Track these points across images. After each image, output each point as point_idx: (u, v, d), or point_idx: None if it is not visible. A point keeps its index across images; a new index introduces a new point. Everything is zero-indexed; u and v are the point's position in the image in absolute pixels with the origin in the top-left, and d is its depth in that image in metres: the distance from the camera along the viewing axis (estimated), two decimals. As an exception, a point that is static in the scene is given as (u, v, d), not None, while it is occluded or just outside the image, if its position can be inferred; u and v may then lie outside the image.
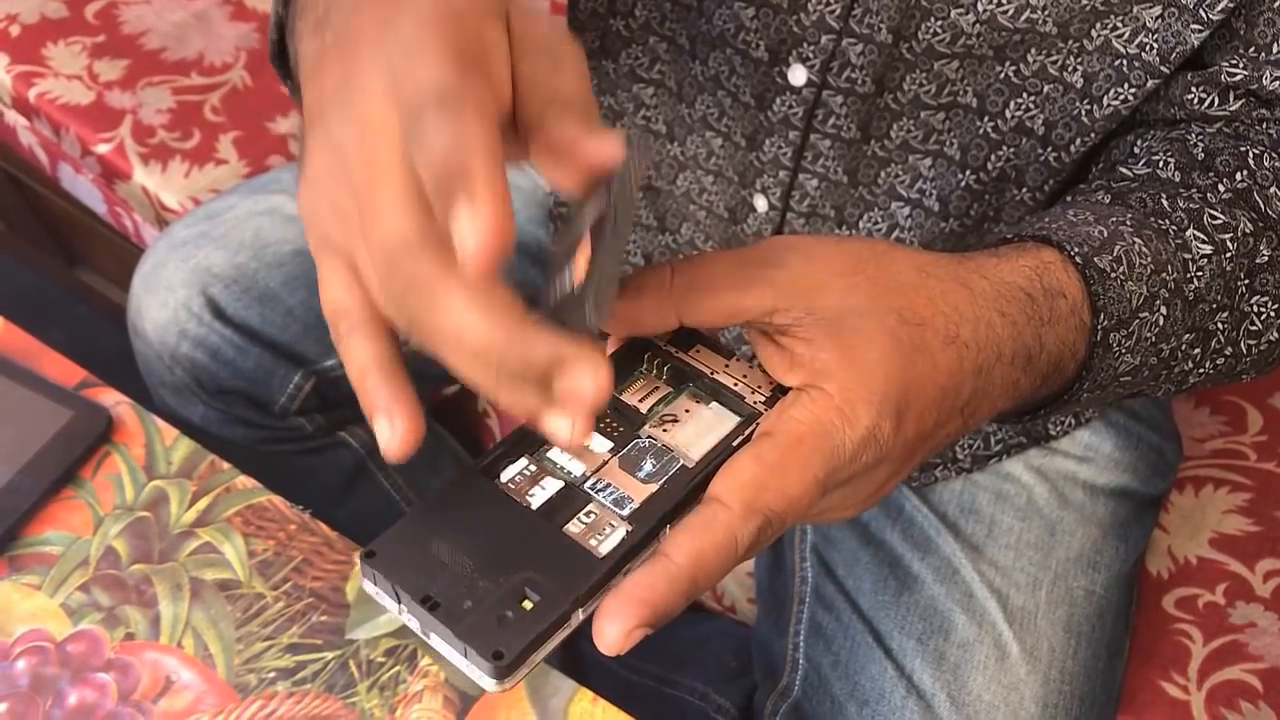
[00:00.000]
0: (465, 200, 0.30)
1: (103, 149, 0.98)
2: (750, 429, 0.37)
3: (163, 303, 0.76)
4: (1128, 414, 0.72)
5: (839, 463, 0.35)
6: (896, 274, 0.38)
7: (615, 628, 0.33)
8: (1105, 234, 0.46)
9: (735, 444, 0.37)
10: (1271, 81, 0.53)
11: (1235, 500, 0.81)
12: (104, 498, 0.63)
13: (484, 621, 0.33)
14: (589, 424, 0.33)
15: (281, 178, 0.80)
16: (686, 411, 0.38)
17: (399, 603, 0.34)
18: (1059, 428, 0.70)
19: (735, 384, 0.38)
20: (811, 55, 0.59)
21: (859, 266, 0.38)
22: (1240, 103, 0.55)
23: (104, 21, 1.07)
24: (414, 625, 0.34)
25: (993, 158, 0.60)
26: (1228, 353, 0.52)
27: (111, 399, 0.66)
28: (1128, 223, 0.48)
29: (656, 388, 0.39)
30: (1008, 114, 0.58)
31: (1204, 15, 0.52)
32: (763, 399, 0.38)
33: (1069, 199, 0.54)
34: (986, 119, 0.59)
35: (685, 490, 0.36)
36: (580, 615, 0.34)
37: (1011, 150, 0.59)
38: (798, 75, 0.60)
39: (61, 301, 1.07)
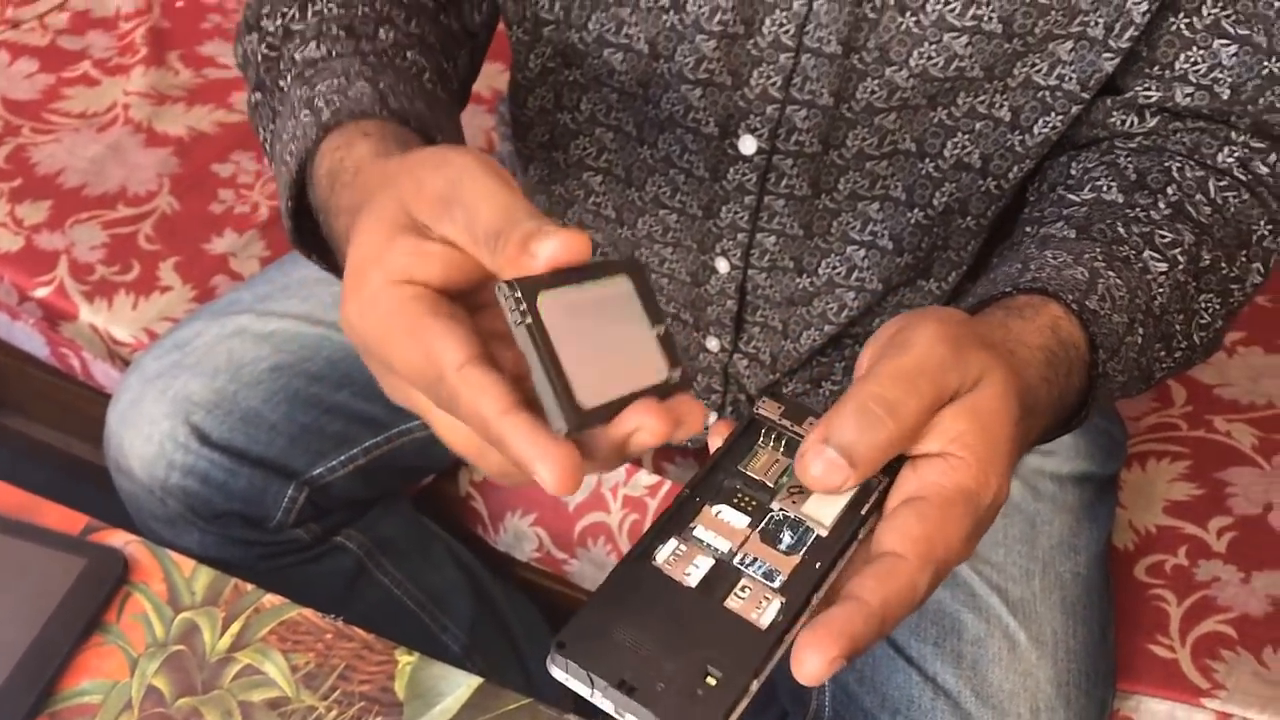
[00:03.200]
0: (538, 460, 0.37)
1: (42, 293, 0.98)
2: (874, 494, 0.41)
3: (146, 437, 0.77)
4: (1077, 405, 0.78)
5: (980, 518, 0.41)
6: (1004, 353, 0.44)
7: (817, 658, 0.36)
8: (1087, 275, 0.53)
9: (864, 511, 0.41)
10: (1183, 98, 0.60)
11: (1178, 469, 0.88)
12: (134, 638, 0.63)
13: (679, 702, 0.36)
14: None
15: (241, 298, 0.82)
16: None
17: (592, 687, 0.37)
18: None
19: None
20: (759, 125, 0.63)
21: (987, 345, 0.43)
22: (1156, 120, 0.61)
23: (16, 165, 1.06)
24: (608, 707, 0.37)
25: (937, 194, 0.65)
26: (1184, 347, 0.59)
27: (121, 539, 0.67)
28: (1099, 258, 0.54)
29: (778, 460, 0.42)
30: (946, 153, 0.64)
31: (1113, 45, 0.58)
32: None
33: (1033, 231, 0.59)
34: (927, 160, 0.64)
35: (829, 561, 0.40)
36: (755, 685, 0.37)
37: (954, 185, 0.65)
38: (748, 145, 0.64)
39: None
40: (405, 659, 0.63)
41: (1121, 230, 0.56)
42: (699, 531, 0.41)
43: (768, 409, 0.44)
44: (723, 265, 0.70)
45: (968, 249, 0.69)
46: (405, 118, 0.53)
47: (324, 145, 0.52)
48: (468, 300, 0.42)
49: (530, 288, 0.38)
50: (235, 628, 0.64)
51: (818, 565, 0.40)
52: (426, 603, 0.88)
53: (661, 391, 0.40)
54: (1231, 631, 0.78)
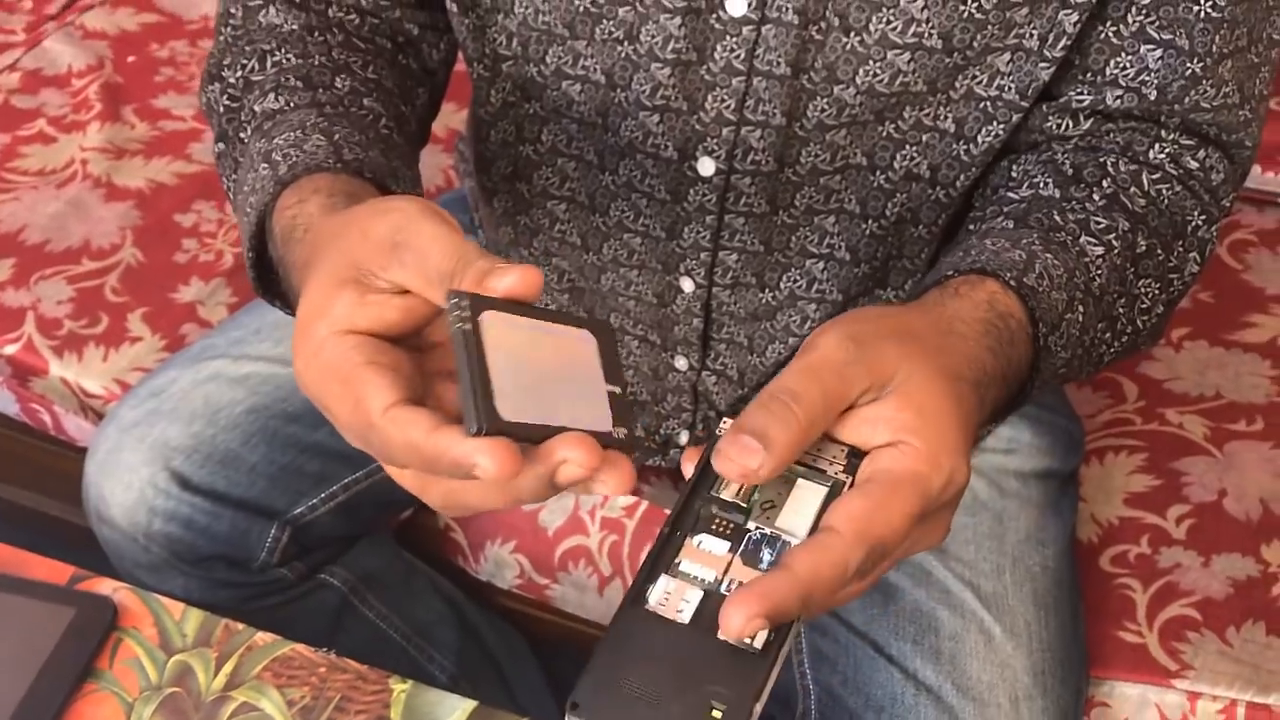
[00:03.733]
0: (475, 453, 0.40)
1: (11, 350, 0.98)
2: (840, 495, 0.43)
3: (126, 485, 0.77)
4: (1035, 405, 0.81)
5: (929, 500, 0.43)
6: (927, 338, 0.47)
7: (739, 616, 0.39)
8: (1024, 256, 0.56)
9: None
10: (1113, 100, 0.63)
11: (1135, 461, 0.91)
12: (127, 683, 0.64)
13: None
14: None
15: (214, 344, 0.83)
16: (779, 494, 0.44)
17: None
18: (984, 429, 0.78)
19: (814, 460, 0.44)
20: (716, 147, 0.66)
21: (902, 337, 0.46)
22: (1090, 122, 0.64)
23: (-24, 225, 1.07)
24: None
25: (889, 205, 0.68)
26: (1129, 331, 0.62)
27: (109, 587, 0.68)
28: (1036, 242, 0.57)
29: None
30: (896, 165, 0.66)
31: (1048, 55, 0.61)
32: (840, 467, 0.44)
33: (975, 227, 0.63)
34: (878, 172, 0.67)
35: None
36: (759, 708, 0.40)
37: (904, 195, 0.68)
38: (706, 166, 0.67)
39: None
40: (400, 687, 0.64)
41: (1058, 218, 0.60)
42: (685, 566, 0.42)
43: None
44: (688, 284, 0.72)
45: (921, 256, 0.71)
46: (360, 168, 0.56)
47: (280, 201, 0.55)
48: (417, 341, 0.45)
49: (479, 302, 0.41)
50: (229, 667, 0.64)
51: None
52: (412, 635, 0.89)
53: (602, 441, 0.41)
54: (1196, 614, 0.81)
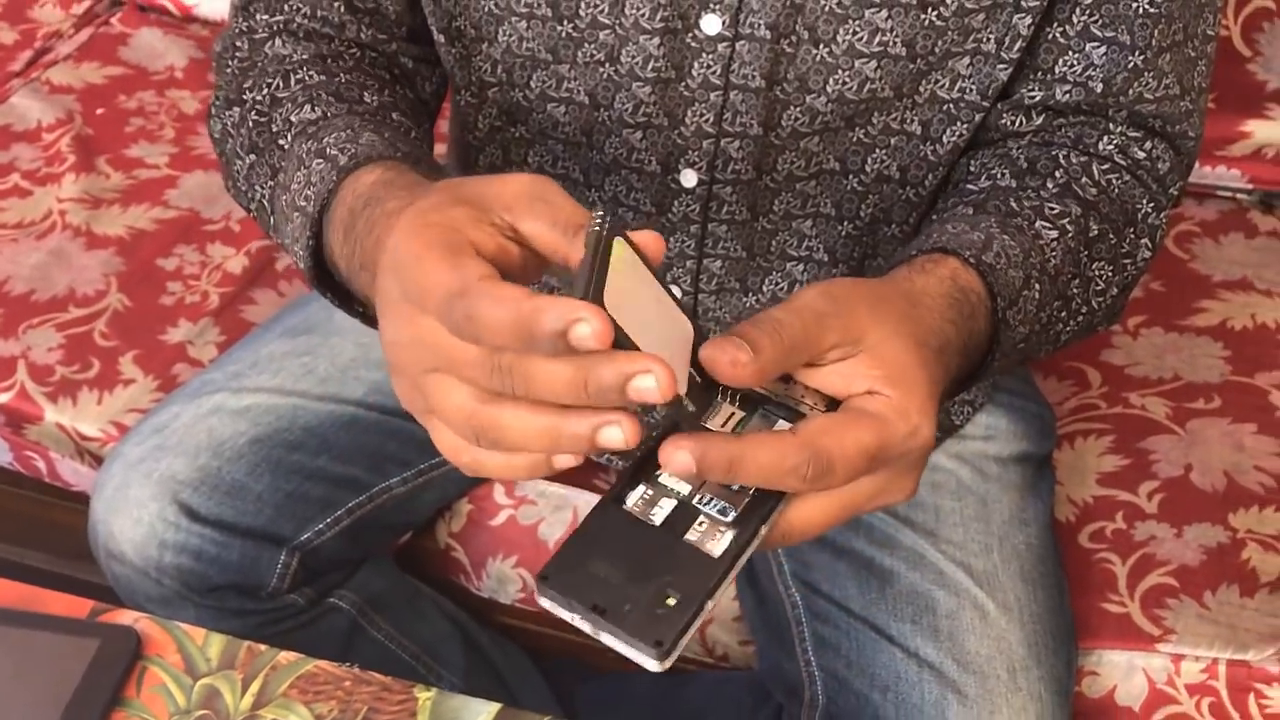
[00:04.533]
0: (565, 324, 0.40)
1: (4, 398, 0.99)
2: None
3: (136, 520, 0.79)
4: (1009, 393, 0.85)
5: (889, 444, 0.46)
6: (897, 306, 0.50)
7: (671, 449, 0.43)
8: (983, 237, 0.59)
9: None
10: (1062, 95, 0.67)
11: (1103, 444, 0.95)
12: (156, 710, 0.65)
13: (643, 620, 0.42)
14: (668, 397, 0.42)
15: (213, 379, 0.85)
16: (759, 430, 0.47)
17: (573, 613, 0.43)
18: (962, 417, 0.82)
19: (796, 403, 0.48)
20: (698, 159, 0.69)
21: (874, 302, 0.49)
22: (1042, 118, 0.69)
23: (-41, 279, 1.08)
24: (586, 628, 0.43)
25: (863, 206, 0.72)
26: (1084, 311, 0.66)
27: (130, 617, 0.69)
28: (994, 225, 0.61)
29: (734, 413, 0.47)
30: (867, 168, 0.70)
31: (1005, 56, 0.65)
32: (821, 410, 0.48)
33: (938, 216, 0.66)
34: (851, 176, 0.71)
35: (776, 496, 0.46)
36: (710, 605, 0.43)
37: (877, 197, 0.71)
38: (689, 178, 0.70)
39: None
40: (424, 695, 0.66)
41: (1014, 204, 0.64)
42: (664, 478, 0.46)
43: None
44: (675, 292, 0.75)
45: (896, 255, 0.75)
46: (416, 161, 0.58)
47: (344, 187, 0.56)
48: None
49: (618, 229, 0.42)
50: (255, 686, 0.66)
51: (765, 501, 0.46)
52: (421, 654, 0.91)
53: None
54: (1174, 581, 0.85)
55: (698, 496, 0.46)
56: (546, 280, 0.75)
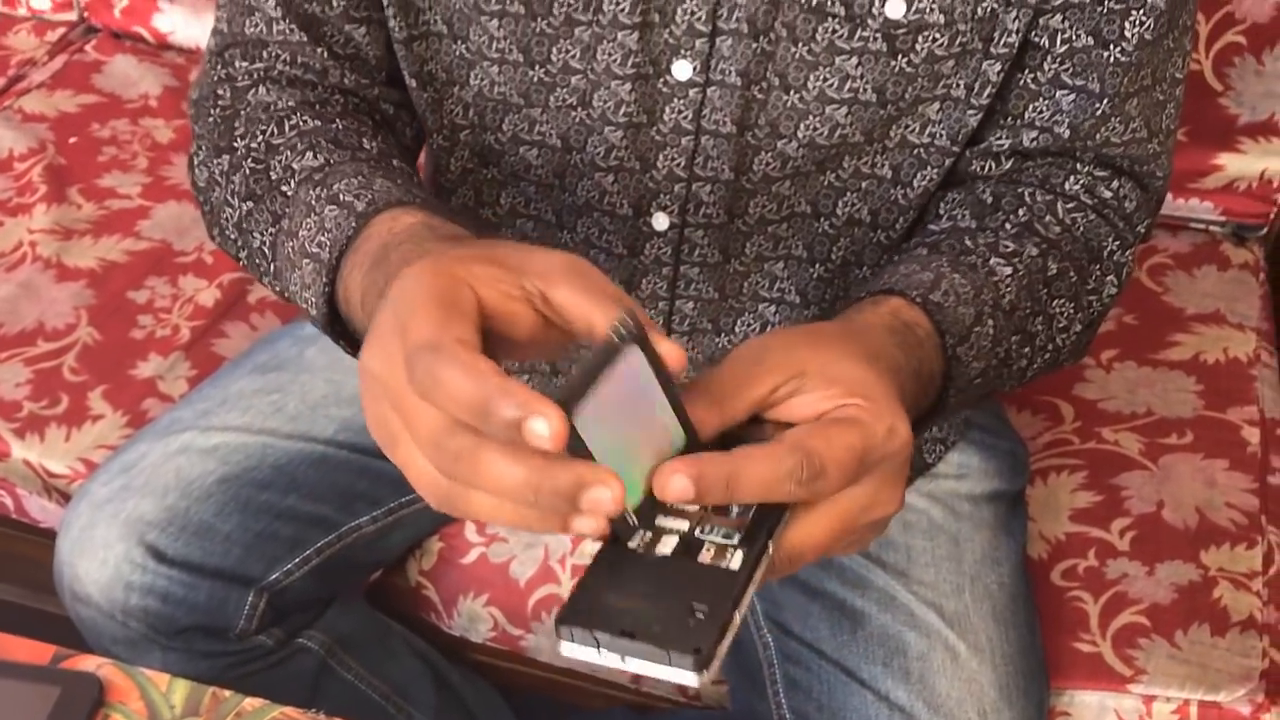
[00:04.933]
0: (523, 416, 0.39)
1: (-30, 435, 0.98)
2: None
3: (102, 561, 0.78)
4: (981, 430, 0.85)
5: (871, 444, 0.46)
6: (833, 335, 0.52)
7: (668, 473, 0.43)
8: (932, 277, 0.60)
9: None
10: (1029, 141, 0.68)
11: (1076, 480, 0.95)
12: (119, 758, 0.64)
13: (675, 632, 0.41)
14: (608, 521, 0.42)
15: (181, 417, 0.84)
16: None
17: (598, 647, 0.42)
18: (934, 455, 0.82)
19: (774, 427, 0.48)
20: (669, 203, 0.69)
21: (809, 337, 0.50)
22: (1010, 162, 0.69)
23: (-74, 313, 1.07)
24: (613, 661, 0.42)
25: (834, 249, 0.72)
26: (1049, 348, 0.66)
27: (93, 663, 0.68)
28: (945, 264, 0.62)
29: None
30: (839, 211, 0.70)
31: (974, 102, 0.66)
32: None
33: (896, 259, 0.67)
34: (822, 219, 0.71)
35: (775, 515, 0.46)
36: (738, 617, 0.43)
37: (848, 240, 0.71)
38: (661, 221, 0.70)
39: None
40: (390, 740, 0.65)
41: (969, 243, 0.64)
42: (660, 520, 0.46)
43: None
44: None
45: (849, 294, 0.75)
46: (433, 209, 0.56)
47: (376, 225, 0.55)
48: None
49: (638, 336, 0.43)
50: (220, 734, 0.65)
51: (765, 522, 0.45)
52: (390, 694, 0.90)
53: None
54: (1145, 620, 0.85)
55: (698, 529, 0.45)
56: (535, 365, 0.75)
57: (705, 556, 0.44)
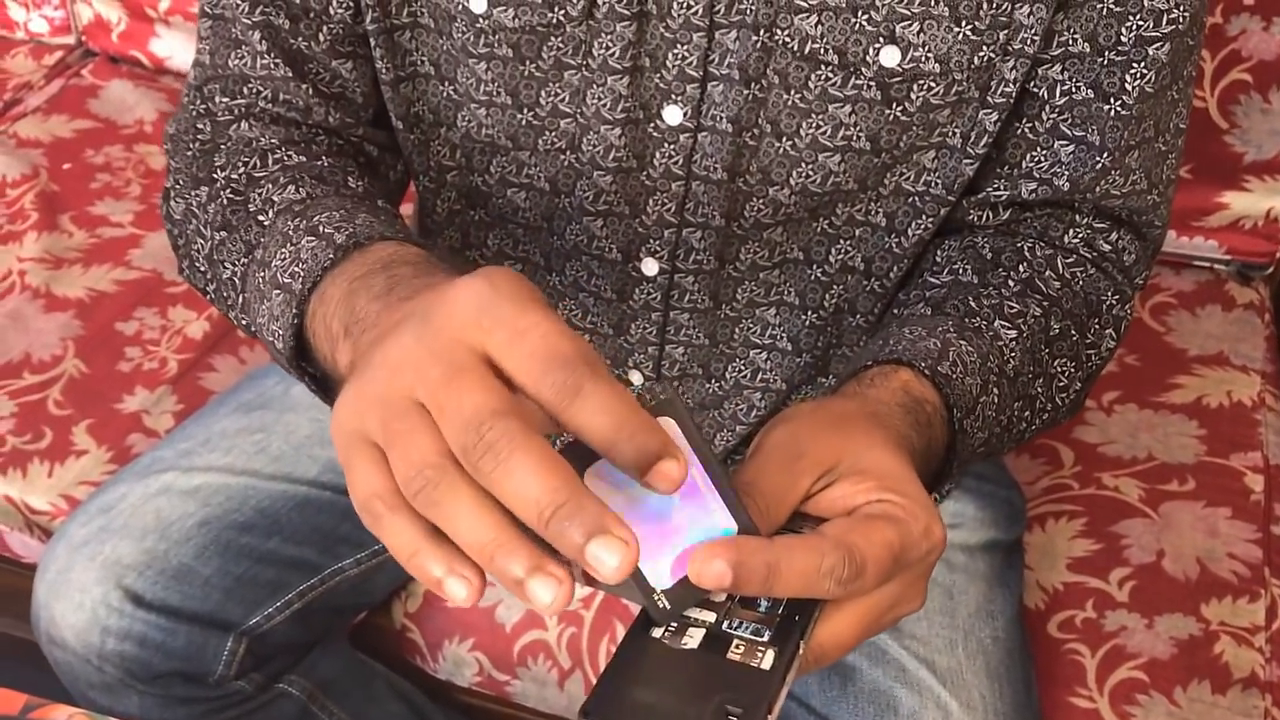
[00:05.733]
0: (599, 536, 0.37)
1: (-48, 469, 0.97)
2: None
3: (78, 605, 0.76)
4: (976, 478, 0.83)
5: (908, 542, 0.45)
6: (860, 422, 0.51)
7: (706, 556, 0.41)
8: (939, 345, 0.58)
9: None
10: (1028, 193, 0.66)
11: (1075, 526, 0.94)
12: (88, 813, 0.63)
13: None
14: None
15: (162, 456, 0.82)
16: None
17: None
18: (930, 505, 0.80)
19: (799, 527, 0.47)
20: (659, 248, 0.68)
21: (838, 425, 0.49)
22: (1009, 212, 0.68)
23: (-87, 342, 1.06)
24: None
25: (827, 296, 0.70)
26: (1049, 408, 0.65)
27: (64, 714, 0.66)
28: (951, 329, 0.60)
29: None
30: (831, 259, 0.69)
31: (971, 151, 0.64)
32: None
33: (899, 314, 0.65)
34: (815, 266, 0.69)
35: (807, 611, 0.44)
36: (771, 718, 0.41)
37: (841, 287, 0.70)
38: (650, 267, 0.69)
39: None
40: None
41: (973, 304, 0.63)
42: (687, 611, 0.44)
43: None
44: (636, 378, 0.73)
45: (860, 345, 0.74)
46: (413, 242, 0.55)
47: (358, 257, 0.53)
48: None
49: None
50: (191, 787, 0.64)
51: (796, 618, 0.44)
52: (373, 740, 0.88)
53: None
54: (1144, 676, 0.83)
55: (725, 623, 0.44)
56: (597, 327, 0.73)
57: (735, 654, 0.43)
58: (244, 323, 0.62)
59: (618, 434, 0.39)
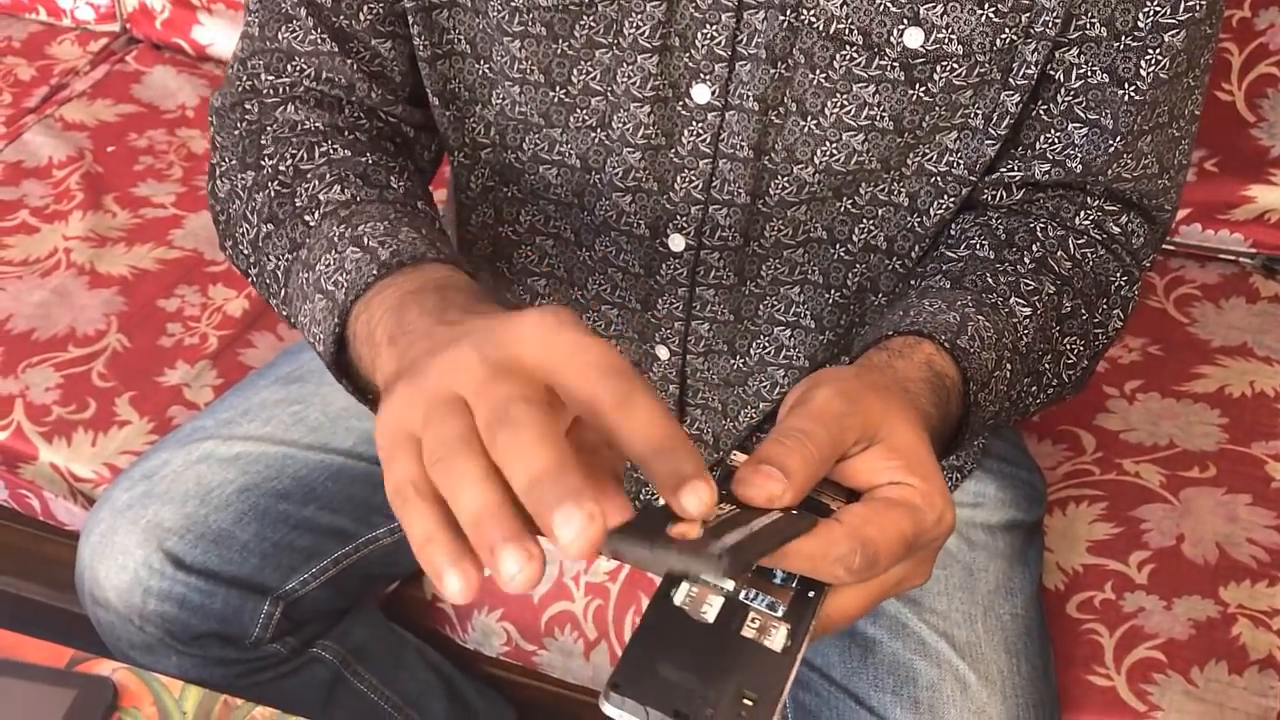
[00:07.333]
0: (568, 503, 0.38)
1: (1, 437, 1.00)
2: None
3: (121, 566, 0.79)
4: (998, 459, 0.85)
5: (921, 529, 0.47)
6: (897, 395, 0.52)
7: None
8: (958, 319, 0.60)
9: None
10: (1040, 174, 0.68)
11: (1095, 510, 0.95)
12: (130, 762, 0.65)
13: None
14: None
15: (204, 425, 0.85)
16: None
17: (647, 719, 0.42)
18: (951, 483, 0.81)
19: (819, 496, 0.48)
20: (686, 225, 0.69)
21: (880, 393, 0.51)
22: (1022, 193, 0.69)
23: (-38, 316, 1.09)
24: None
25: (850, 275, 0.72)
26: (1054, 384, 0.66)
27: (108, 668, 0.69)
28: (970, 304, 0.61)
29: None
30: (855, 238, 0.70)
31: (993, 132, 0.66)
32: (842, 502, 0.49)
33: (916, 285, 0.67)
34: (838, 245, 0.71)
35: (819, 588, 0.46)
36: (783, 701, 0.43)
37: (864, 266, 0.72)
38: (677, 243, 0.70)
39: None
40: (399, 751, 0.66)
41: (990, 280, 0.64)
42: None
43: (740, 460, 0.49)
44: (663, 353, 0.75)
45: (873, 327, 0.75)
46: (454, 263, 0.57)
47: (396, 276, 0.55)
48: None
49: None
50: (230, 741, 0.66)
51: (809, 594, 0.46)
52: (403, 705, 0.91)
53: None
54: (1161, 656, 0.84)
55: (743, 592, 0.46)
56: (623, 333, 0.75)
57: (750, 630, 0.45)
58: (285, 314, 0.65)
59: (660, 445, 0.41)
